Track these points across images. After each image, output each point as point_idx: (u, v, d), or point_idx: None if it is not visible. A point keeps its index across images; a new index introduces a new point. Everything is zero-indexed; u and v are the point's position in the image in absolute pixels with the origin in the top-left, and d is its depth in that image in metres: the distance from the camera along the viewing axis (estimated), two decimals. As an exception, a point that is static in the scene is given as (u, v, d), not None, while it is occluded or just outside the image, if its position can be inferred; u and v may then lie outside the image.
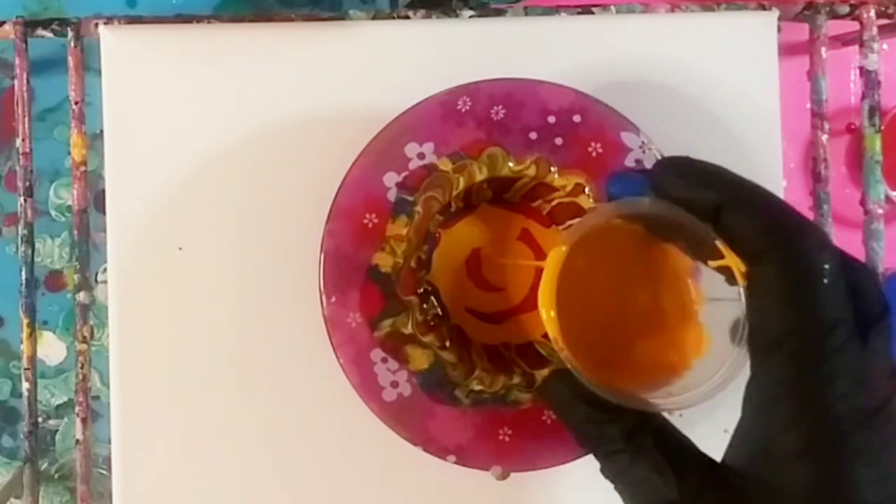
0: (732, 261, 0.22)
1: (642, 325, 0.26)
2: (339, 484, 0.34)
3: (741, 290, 0.22)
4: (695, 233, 0.23)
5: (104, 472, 0.54)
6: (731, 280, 0.23)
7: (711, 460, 0.23)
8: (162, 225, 0.35)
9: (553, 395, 0.27)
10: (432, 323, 0.32)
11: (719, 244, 0.22)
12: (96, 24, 0.35)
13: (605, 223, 0.25)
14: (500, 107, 0.31)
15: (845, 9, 0.37)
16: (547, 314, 0.25)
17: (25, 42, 0.36)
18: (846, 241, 0.41)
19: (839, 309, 0.20)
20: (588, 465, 0.30)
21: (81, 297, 0.36)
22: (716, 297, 0.25)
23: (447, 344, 0.31)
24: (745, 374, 0.22)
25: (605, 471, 0.25)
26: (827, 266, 0.20)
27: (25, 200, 0.37)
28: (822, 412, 0.20)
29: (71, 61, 0.36)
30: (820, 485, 0.20)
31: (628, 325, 0.26)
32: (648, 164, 0.31)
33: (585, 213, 0.31)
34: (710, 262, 0.23)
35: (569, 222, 0.32)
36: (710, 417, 0.29)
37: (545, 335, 0.33)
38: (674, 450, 0.24)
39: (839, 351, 0.20)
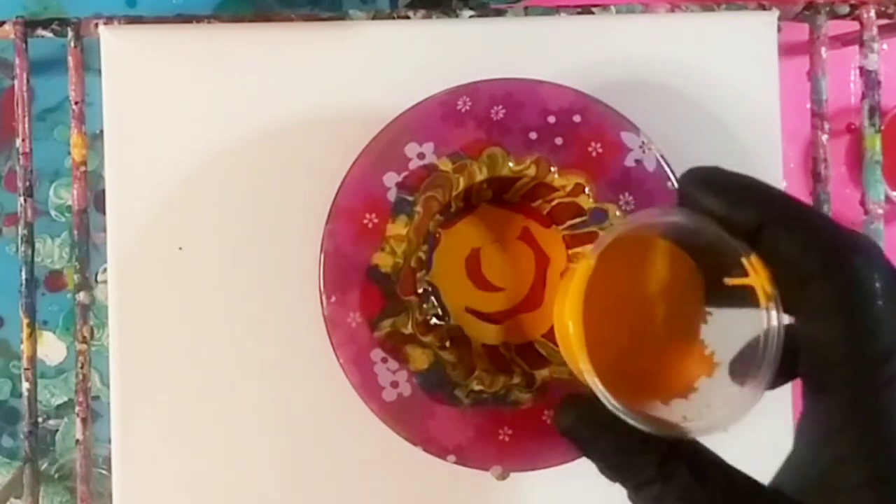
0: (758, 280, 0.21)
1: (656, 342, 0.25)
2: (340, 484, 0.34)
3: (766, 311, 0.21)
4: (718, 247, 0.22)
5: (104, 472, 0.54)
6: (748, 301, 0.22)
7: (756, 482, 0.22)
8: (162, 225, 0.35)
9: (572, 428, 0.24)
10: (432, 323, 0.32)
11: (749, 261, 0.21)
12: (96, 24, 0.35)
13: (631, 234, 0.24)
14: (500, 107, 0.31)
15: (845, 9, 0.37)
16: (575, 330, 0.23)
17: (25, 42, 0.36)
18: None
19: (894, 333, 0.20)
20: (588, 465, 0.30)
21: (81, 297, 0.36)
22: (724, 316, 0.24)
23: (447, 344, 0.31)
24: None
25: (638, 502, 0.23)
26: (879, 286, 0.20)
27: (25, 200, 0.37)
28: (884, 443, 0.19)
29: (71, 61, 0.36)
30: None
31: (645, 344, 0.25)
32: (648, 165, 0.31)
33: (589, 213, 0.31)
34: (730, 280, 0.22)
35: (571, 221, 0.32)
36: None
37: (545, 335, 0.33)
38: (711, 474, 0.22)
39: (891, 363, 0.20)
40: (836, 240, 0.20)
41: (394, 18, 0.36)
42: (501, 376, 0.31)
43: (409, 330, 0.31)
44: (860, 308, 0.20)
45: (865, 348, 0.20)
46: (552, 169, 0.31)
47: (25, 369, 0.36)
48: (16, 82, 0.36)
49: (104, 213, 0.35)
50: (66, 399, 0.61)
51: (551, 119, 0.31)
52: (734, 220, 0.21)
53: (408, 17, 0.36)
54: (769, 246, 0.21)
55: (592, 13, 0.36)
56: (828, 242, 0.20)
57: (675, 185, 0.31)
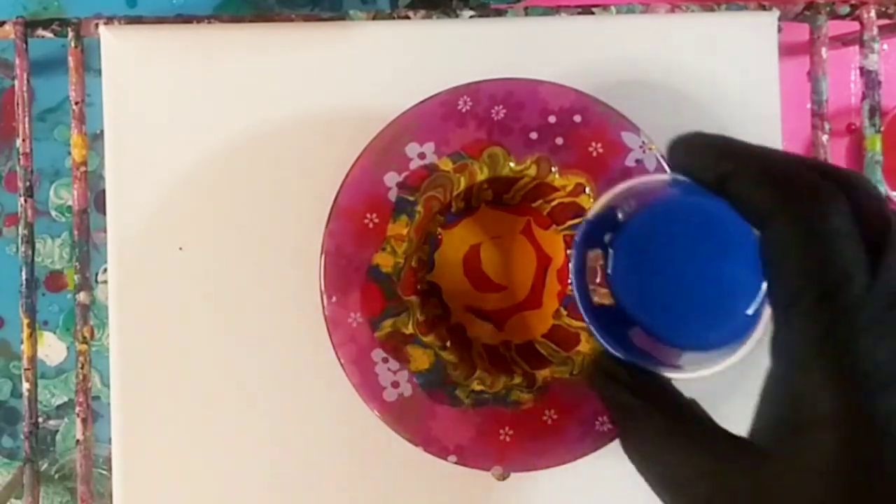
0: None
1: None
2: (340, 484, 0.34)
3: None
4: None
5: (104, 472, 0.54)
6: None
7: (733, 436, 0.22)
8: (162, 225, 0.35)
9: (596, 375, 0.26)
10: (433, 323, 0.32)
11: None
12: (96, 24, 0.35)
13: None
14: (501, 107, 0.31)
15: (845, 9, 0.37)
16: None
17: (26, 42, 0.36)
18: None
19: (854, 263, 0.19)
20: (588, 466, 0.30)
21: (81, 297, 0.36)
22: None
23: (448, 344, 0.31)
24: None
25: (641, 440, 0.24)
26: (838, 221, 0.20)
27: (25, 200, 0.37)
28: (845, 378, 0.19)
29: (71, 61, 0.36)
30: (842, 452, 0.19)
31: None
32: (649, 165, 0.31)
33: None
34: None
35: (572, 221, 0.32)
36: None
37: (545, 335, 0.33)
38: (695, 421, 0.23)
39: (860, 305, 0.19)
40: (794, 180, 0.20)
41: (394, 18, 0.36)
42: (502, 376, 0.31)
43: (409, 330, 0.31)
44: (817, 239, 0.20)
45: (823, 275, 0.19)
46: (553, 169, 0.31)
47: (25, 369, 0.36)
48: (16, 82, 0.36)
49: (104, 213, 0.35)
50: (66, 399, 0.61)
51: (552, 119, 0.31)
52: (701, 177, 0.22)
53: (408, 17, 0.36)
54: (734, 196, 0.21)
55: (592, 13, 0.36)
56: (786, 183, 0.20)
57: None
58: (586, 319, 0.25)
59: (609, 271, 0.24)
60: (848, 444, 0.19)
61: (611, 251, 0.24)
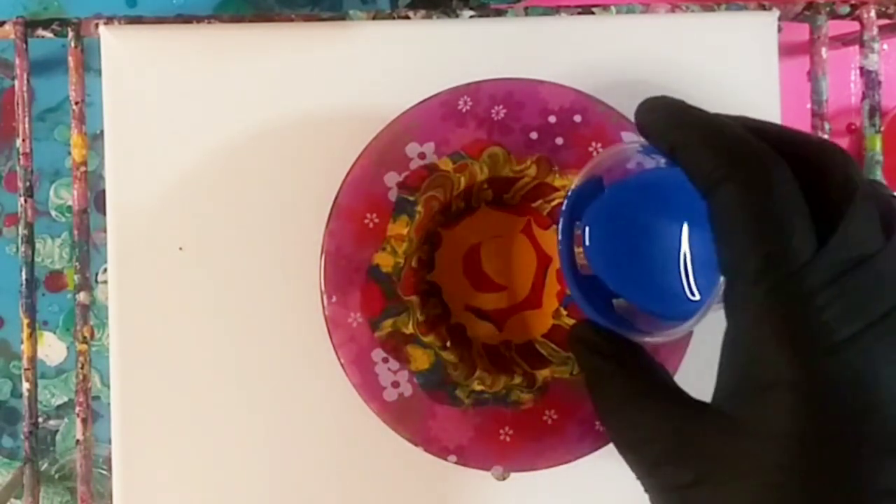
0: None
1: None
2: (340, 484, 0.34)
3: None
4: None
5: (104, 472, 0.54)
6: None
7: (695, 400, 0.23)
8: (162, 225, 0.35)
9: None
10: (433, 323, 0.32)
11: None
12: (96, 25, 0.35)
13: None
14: (501, 107, 0.31)
15: (845, 9, 0.37)
16: None
17: (26, 42, 0.36)
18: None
19: (799, 229, 0.19)
20: (588, 466, 0.30)
21: (81, 297, 0.36)
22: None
23: (448, 344, 0.31)
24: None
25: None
26: (786, 190, 0.20)
27: (25, 200, 0.37)
28: (795, 333, 0.19)
29: (71, 61, 0.36)
30: (794, 417, 0.19)
31: None
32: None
33: None
34: None
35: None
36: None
37: (545, 335, 0.33)
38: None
39: (806, 270, 0.19)
40: (737, 148, 0.20)
41: (394, 18, 0.36)
42: (502, 376, 0.31)
43: (410, 330, 0.31)
44: (761, 206, 0.20)
45: (766, 248, 0.19)
46: (553, 169, 0.31)
47: (25, 369, 0.36)
48: (16, 82, 0.36)
49: (104, 213, 0.35)
50: (66, 399, 0.61)
51: (552, 119, 0.31)
52: (657, 146, 0.23)
53: (408, 17, 0.36)
54: (683, 165, 0.22)
55: (592, 13, 0.36)
56: (729, 152, 0.20)
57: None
58: (569, 285, 0.26)
59: (585, 242, 0.25)
60: (800, 408, 0.19)
61: (585, 222, 0.25)
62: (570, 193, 0.26)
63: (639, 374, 0.24)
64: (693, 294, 0.24)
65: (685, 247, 0.24)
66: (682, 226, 0.24)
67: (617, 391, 0.24)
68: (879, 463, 0.18)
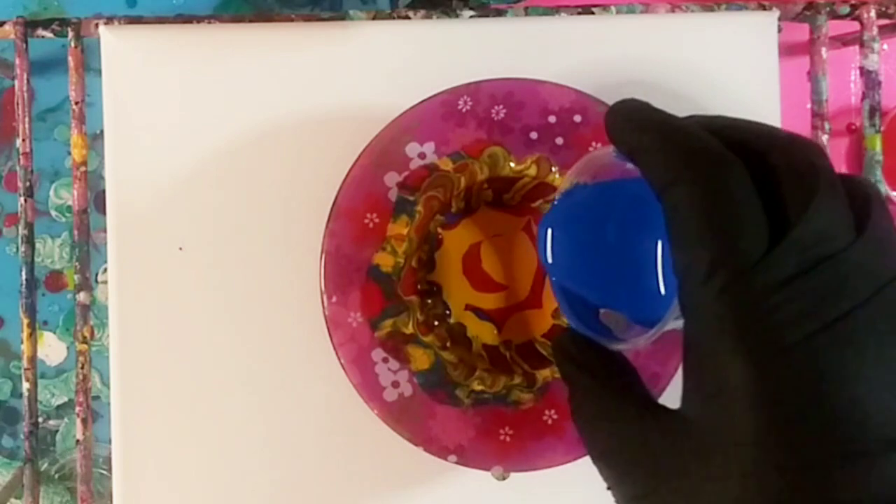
0: None
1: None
2: (340, 484, 0.34)
3: None
4: None
5: (104, 472, 0.54)
6: None
7: (664, 408, 0.22)
8: (162, 225, 0.35)
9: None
10: (433, 323, 0.32)
11: None
12: (96, 24, 0.35)
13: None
14: (501, 106, 0.31)
15: (845, 9, 0.37)
16: None
17: (26, 42, 0.36)
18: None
19: (752, 228, 0.19)
20: (588, 466, 0.30)
21: (81, 297, 0.36)
22: None
23: (448, 344, 0.31)
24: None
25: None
26: (733, 185, 0.19)
27: (25, 200, 0.37)
28: (747, 335, 0.18)
29: (71, 61, 0.36)
30: (751, 421, 0.18)
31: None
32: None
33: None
34: None
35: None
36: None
37: (545, 334, 0.33)
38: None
39: (758, 269, 0.18)
40: (688, 149, 0.20)
41: (394, 18, 0.36)
42: (502, 376, 0.31)
43: (410, 330, 0.31)
44: (709, 210, 0.19)
45: (717, 248, 0.19)
46: (553, 169, 0.31)
47: (26, 369, 0.36)
48: (16, 82, 0.36)
49: (104, 213, 0.35)
50: (66, 399, 0.61)
51: (552, 119, 0.31)
52: (620, 151, 0.22)
53: (408, 17, 0.36)
54: (640, 167, 0.21)
55: (592, 13, 0.36)
56: (680, 153, 0.20)
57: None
58: (554, 292, 0.26)
59: (548, 244, 0.25)
60: (754, 415, 0.18)
61: (549, 223, 0.25)
62: (555, 201, 0.26)
63: (612, 385, 0.23)
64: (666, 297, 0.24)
65: (659, 250, 0.24)
66: (653, 229, 0.23)
67: (590, 402, 0.24)
68: (838, 471, 0.18)
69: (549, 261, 0.26)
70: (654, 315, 0.24)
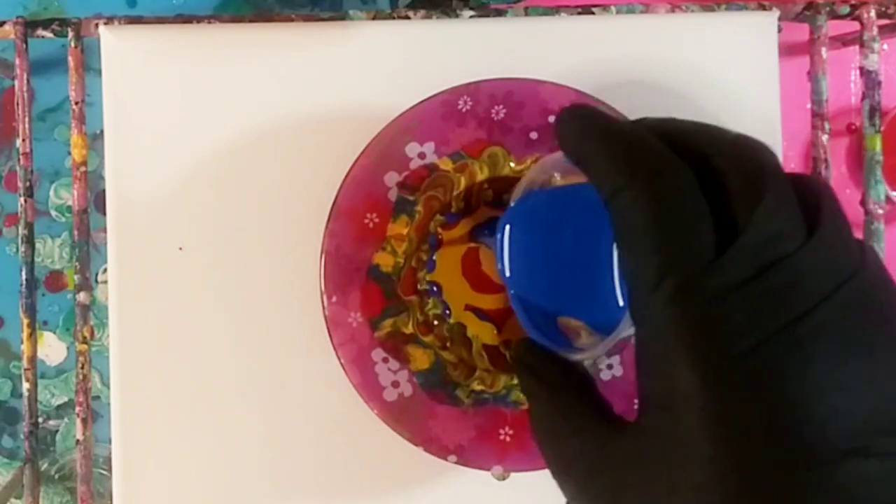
0: None
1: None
2: (340, 484, 0.34)
3: None
4: None
5: (104, 472, 0.54)
6: None
7: (620, 419, 0.22)
8: (162, 225, 0.35)
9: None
10: (433, 323, 0.32)
11: None
12: (96, 25, 0.35)
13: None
14: (501, 106, 0.31)
15: (845, 9, 0.37)
16: None
17: (26, 42, 0.36)
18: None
19: (699, 235, 0.18)
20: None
21: (81, 297, 0.36)
22: None
23: (448, 344, 0.31)
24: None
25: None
26: (679, 191, 0.19)
27: (25, 200, 0.37)
28: (697, 343, 0.18)
29: (71, 61, 0.36)
30: (705, 431, 0.18)
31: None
32: None
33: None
34: None
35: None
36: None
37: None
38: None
39: (706, 275, 0.18)
40: (635, 156, 0.20)
41: (394, 18, 0.36)
42: (502, 376, 0.31)
43: (410, 330, 0.31)
44: (655, 217, 0.19)
45: (664, 255, 0.18)
46: (553, 169, 0.31)
47: (26, 369, 0.36)
48: (16, 82, 0.36)
49: (104, 213, 0.35)
50: (66, 399, 0.61)
51: (552, 119, 0.31)
52: (569, 159, 0.22)
53: (408, 17, 0.36)
54: (587, 174, 0.21)
55: (592, 13, 0.36)
56: (626, 160, 0.20)
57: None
58: (511, 301, 0.26)
59: (504, 247, 0.25)
60: (707, 426, 0.18)
61: (499, 236, 0.25)
62: (510, 208, 0.26)
63: (569, 398, 0.23)
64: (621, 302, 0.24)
65: (615, 256, 0.23)
66: (608, 235, 0.23)
67: (548, 414, 0.23)
68: (795, 483, 0.17)
69: (507, 271, 0.25)
70: (612, 320, 0.23)
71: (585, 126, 0.21)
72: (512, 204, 0.26)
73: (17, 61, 0.36)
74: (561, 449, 0.22)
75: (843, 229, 0.19)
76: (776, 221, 0.18)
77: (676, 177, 0.19)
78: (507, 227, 0.25)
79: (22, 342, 0.36)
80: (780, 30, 0.36)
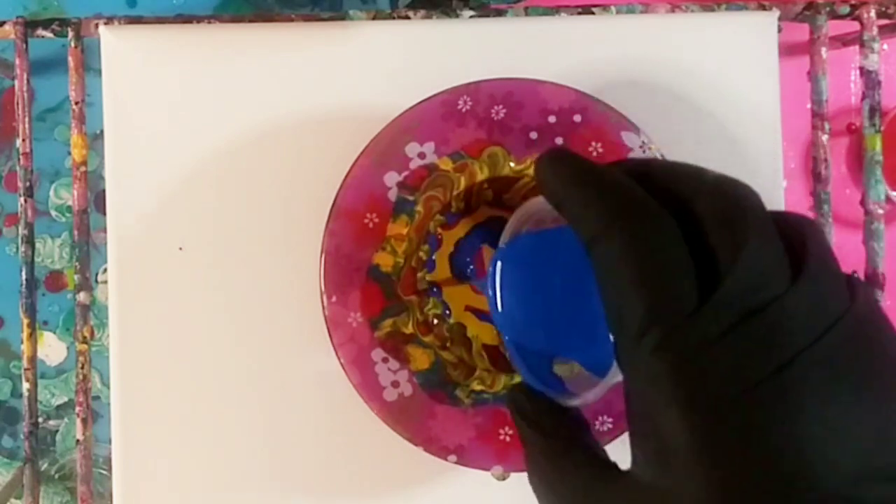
0: None
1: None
2: (340, 484, 0.34)
3: None
4: None
5: (104, 472, 0.54)
6: None
7: (616, 469, 0.22)
8: (162, 225, 0.35)
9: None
10: (433, 323, 0.32)
11: None
12: (96, 25, 0.35)
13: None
14: (501, 106, 0.31)
15: (845, 9, 0.37)
16: None
17: (26, 42, 0.36)
18: (847, 241, 0.41)
19: (680, 284, 0.18)
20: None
21: (81, 297, 0.36)
22: None
23: (448, 344, 0.31)
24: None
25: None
26: (660, 239, 0.19)
27: (25, 200, 0.37)
28: (688, 390, 0.18)
29: (71, 61, 0.36)
30: (705, 484, 0.17)
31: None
32: None
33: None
34: None
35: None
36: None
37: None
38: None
39: (690, 324, 0.18)
40: (616, 204, 0.19)
41: (394, 18, 0.36)
42: (502, 376, 0.31)
43: (409, 330, 0.31)
44: (635, 266, 0.18)
45: (646, 305, 0.18)
46: (553, 169, 0.31)
47: (26, 369, 0.36)
48: (16, 82, 0.36)
49: (104, 213, 0.35)
50: (66, 399, 0.61)
51: (552, 119, 0.31)
52: (548, 202, 0.22)
53: (408, 17, 0.36)
54: (568, 220, 0.21)
55: (592, 13, 0.36)
56: (606, 208, 0.20)
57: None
58: (506, 344, 0.25)
59: (497, 285, 0.25)
60: (701, 474, 0.18)
61: (491, 280, 0.25)
62: (500, 251, 0.26)
63: (563, 445, 0.23)
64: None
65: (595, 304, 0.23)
66: (584, 281, 0.23)
67: (543, 461, 0.23)
68: None
69: (500, 315, 0.25)
70: (607, 360, 0.23)
71: (564, 170, 0.21)
72: (501, 246, 0.26)
73: (17, 61, 0.36)
74: (556, 497, 0.22)
75: (830, 268, 0.19)
76: (760, 266, 0.18)
77: (656, 224, 0.19)
78: (499, 270, 0.25)
79: (22, 342, 0.36)
80: (780, 30, 0.36)
